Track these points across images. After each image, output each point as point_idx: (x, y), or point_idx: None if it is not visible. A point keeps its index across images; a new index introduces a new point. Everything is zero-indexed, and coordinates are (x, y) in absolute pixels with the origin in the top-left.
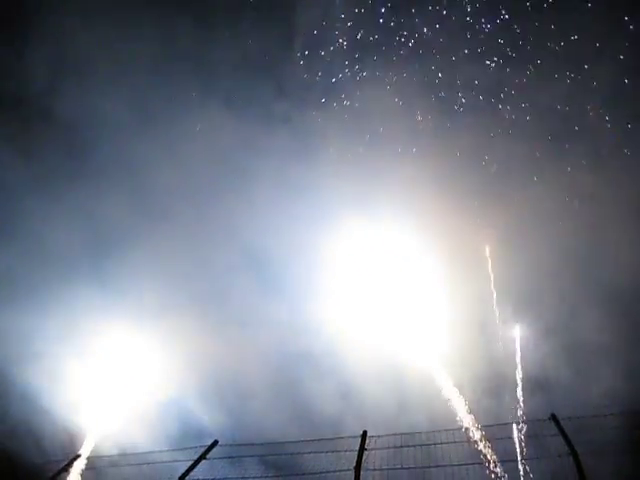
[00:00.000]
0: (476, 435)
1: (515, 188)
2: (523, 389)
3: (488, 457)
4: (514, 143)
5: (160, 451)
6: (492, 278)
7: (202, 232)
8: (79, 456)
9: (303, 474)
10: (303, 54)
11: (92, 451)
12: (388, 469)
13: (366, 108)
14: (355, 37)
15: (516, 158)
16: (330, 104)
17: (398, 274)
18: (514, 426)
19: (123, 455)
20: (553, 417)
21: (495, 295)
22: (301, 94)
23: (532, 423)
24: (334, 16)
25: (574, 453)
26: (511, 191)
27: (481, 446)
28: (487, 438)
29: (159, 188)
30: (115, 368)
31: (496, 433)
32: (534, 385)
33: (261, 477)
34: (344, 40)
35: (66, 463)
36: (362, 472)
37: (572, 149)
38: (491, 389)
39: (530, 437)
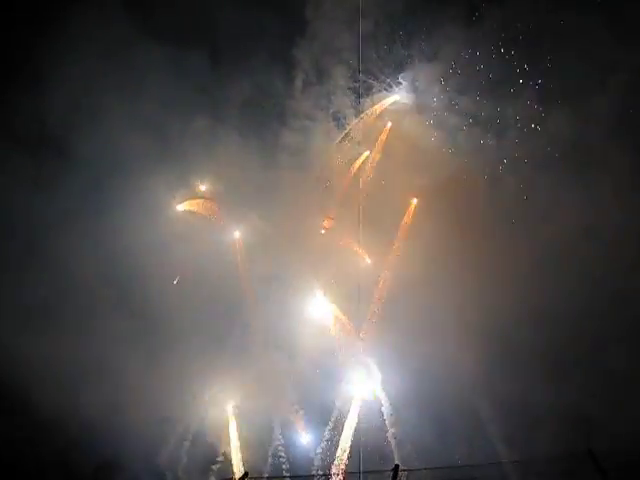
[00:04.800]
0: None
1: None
2: (560, 423)
3: None
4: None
5: None
6: None
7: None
8: None
9: None
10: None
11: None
12: None
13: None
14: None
15: None
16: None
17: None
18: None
19: None
20: (590, 452)
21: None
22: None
23: (569, 458)
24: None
25: None
26: None
27: None
28: (523, 473)
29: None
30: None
31: (532, 468)
32: (571, 419)
33: None
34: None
35: None
36: None
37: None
38: (527, 422)
39: (567, 473)
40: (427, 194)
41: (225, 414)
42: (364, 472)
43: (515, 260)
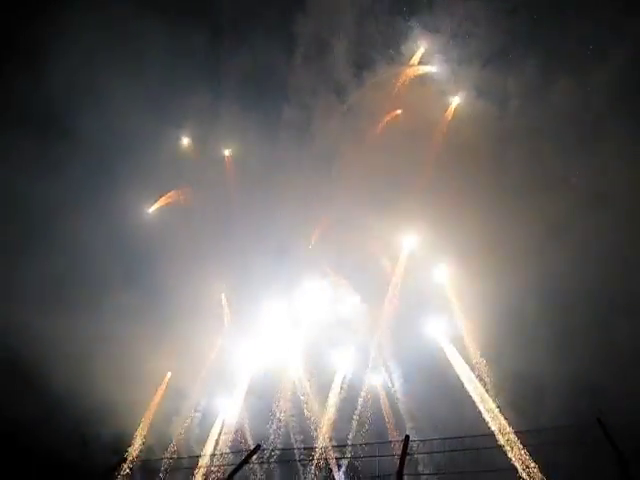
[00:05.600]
0: (520, 440)
1: None
2: (568, 392)
3: (532, 463)
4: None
5: (205, 455)
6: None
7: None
8: (125, 459)
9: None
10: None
11: (139, 454)
12: (430, 474)
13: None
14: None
15: None
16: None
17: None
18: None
19: (168, 458)
20: (599, 421)
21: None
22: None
23: (577, 427)
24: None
25: (621, 458)
26: None
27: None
28: (531, 442)
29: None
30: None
31: (541, 438)
32: (579, 388)
33: None
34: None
35: (111, 466)
36: (404, 477)
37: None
38: (535, 392)
39: (575, 442)
40: (434, 165)
41: (235, 386)
42: (376, 443)
43: (522, 230)
